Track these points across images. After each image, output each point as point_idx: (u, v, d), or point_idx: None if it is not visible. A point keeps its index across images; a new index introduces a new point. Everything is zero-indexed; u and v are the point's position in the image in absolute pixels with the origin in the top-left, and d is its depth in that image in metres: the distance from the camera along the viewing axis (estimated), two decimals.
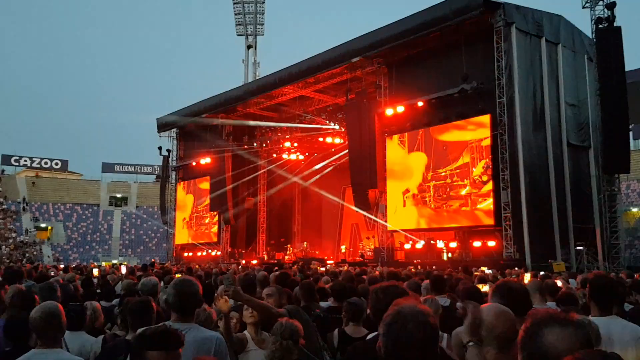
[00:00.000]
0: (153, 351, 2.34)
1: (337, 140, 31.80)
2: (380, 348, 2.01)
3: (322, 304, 6.17)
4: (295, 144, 33.45)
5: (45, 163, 59.56)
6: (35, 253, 44.64)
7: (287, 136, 33.13)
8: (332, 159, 31.79)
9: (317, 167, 32.94)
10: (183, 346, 2.43)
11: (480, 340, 2.40)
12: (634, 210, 34.22)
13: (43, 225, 50.45)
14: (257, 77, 47.52)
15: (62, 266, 19.63)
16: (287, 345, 3.49)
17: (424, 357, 1.96)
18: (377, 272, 11.83)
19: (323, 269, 17.10)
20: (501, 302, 2.73)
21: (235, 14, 55.60)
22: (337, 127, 29.85)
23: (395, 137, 24.70)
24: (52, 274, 12.08)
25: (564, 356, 1.54)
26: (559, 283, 7.28)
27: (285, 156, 34.98)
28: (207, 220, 36.12)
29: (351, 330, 4.61)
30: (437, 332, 2.04)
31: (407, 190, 23.92)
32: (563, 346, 1.58)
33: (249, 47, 55.93)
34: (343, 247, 32.81)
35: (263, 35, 56.55)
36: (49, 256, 45.59)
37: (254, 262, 28.42)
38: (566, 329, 1.62)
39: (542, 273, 10.96)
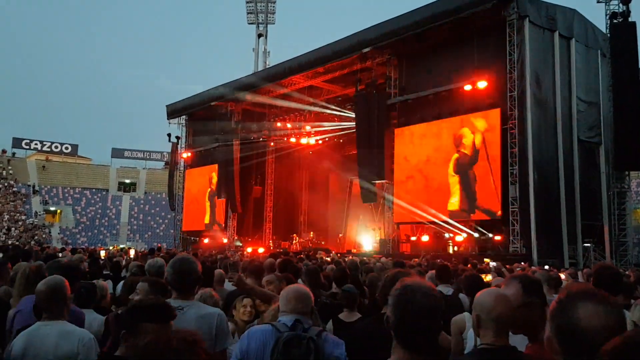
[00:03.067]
0: (149, 323, 2.37)
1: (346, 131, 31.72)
2: (388, 319, 2.09)
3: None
4: (304, 134, 33.38)
5: (56, 147, 59.97)
6: (44, 236, 45.03)
7: (297, 125, 33.08)
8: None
9: (326, 160, 32.87)
10: (175, 319, 2.49)
11: None
12: None
13: (52, 208, 50.86)
14: (267, 66, 47.48)
15: (69, 247, 19.81)
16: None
17: (431, 324, 2.06)
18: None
19: (329, 258, 17.15)
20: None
21: (247, 2, 55.53)
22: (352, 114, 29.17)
23: (405, 129, 24.64)
24: (61, 255, 12.21)
25: (595, 333, 1.54)
26: (563, 276, 7.29)
27: (293, 143, 34.91)
28: (214, 208, 36.24)
29: (345, 315, 4.65)
30: (442, 303, 2.12)
31: (415, 183, 23.87)
32: (595, 323, 1.57)
33: (259, 35, 55.88)
34: (340, 235, 32.90)
35: (274, 24, 56.56)
36: (58, 233, 46.05)
37: (261, 250, 28.52)
38: (600, 306, 1.60)
39: (546, 267, 10.94)
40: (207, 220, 36.76)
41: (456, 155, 22.63)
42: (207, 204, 36.77)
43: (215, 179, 35.43)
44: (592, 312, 1.58)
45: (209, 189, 36.51)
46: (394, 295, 2.11)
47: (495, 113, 21.13)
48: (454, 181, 22.45)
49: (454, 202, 22.43)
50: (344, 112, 29.38)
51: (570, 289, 1.69)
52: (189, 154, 38.80)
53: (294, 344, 2.77)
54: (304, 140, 33.43)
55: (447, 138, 22.82)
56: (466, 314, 4.20)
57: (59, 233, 47.28)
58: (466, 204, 21.93)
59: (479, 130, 21.74)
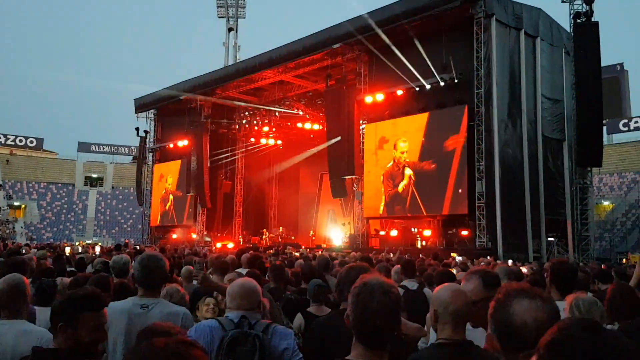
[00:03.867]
0: (85, 313, 2.45)
1: (316, 127, 31.83)
2: (348, 317, 2.11)
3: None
4: (274, 129, 33.39)
5: (20, 141, 58.51)
6: (8, 231, 44.08)
7: (265, 120, 33.06)
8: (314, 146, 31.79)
9: (296, 155, 33.00)
10: (107, 306, 2.60)
11: None
12: (605, 203, 34.96)
13: (16, 203, 49.77)
14: (238, 61, 47.18)
15: (35, 244, 19.45)
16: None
17: (389, 322, 2.08)
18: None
19: (297, 253, 17.22)
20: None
21: None
22: (301, 112, 29.74)
23: (375, 125, 24.84)
24: (24, 251, 11.99)
25: (529, 326, 1.62)
26: (524, 270, 7.46)
27: (263, 141, 34.98)
28: (183, 203, 35.97)
29: (314, 309, 4.70)
30: (400, 300, 2.15)
31: (384, 178, 24.09)
32: (529, 317, 1.64)
33: (230, 29, 55.45)
34: (311, 232, 32.99)
35: (244, 18, 56.15)
36: (22, 227, 45.14)
37: (230, 245, 28.43)
38: (534, 302, 1.68)
39: (510, 261, 11.17)
40: (176, 215, 36.50)
41: (391, 163, 23.81)
42: (176, 199, 36.46)
43: (184, 174, 35.08)
44: (526, 307, 1.67)
45: (178, 184, 36.20)
46: (353, 293, 2.13)
47: (463, 110, 21.42)
48: (421, 175, 22.84)
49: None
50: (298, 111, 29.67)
51: (507, 288, 1.78)
52: (157, 149, 38.46)
53: (239, 342, 2.78)
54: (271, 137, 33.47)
55: (415, 134, 23.09)
56: None
57: (22, 227, 46.35)
58: (433, 198, 22.19)
59: (446, 126, 22.01)
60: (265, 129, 33.47)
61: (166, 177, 37.42)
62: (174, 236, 34.96)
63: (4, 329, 3.05)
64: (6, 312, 3.13)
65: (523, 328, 1.64)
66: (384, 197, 23.97)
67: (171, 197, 36.90)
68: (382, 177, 24.12)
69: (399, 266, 6.45)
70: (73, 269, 8.12)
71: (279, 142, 35.44)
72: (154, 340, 1.29)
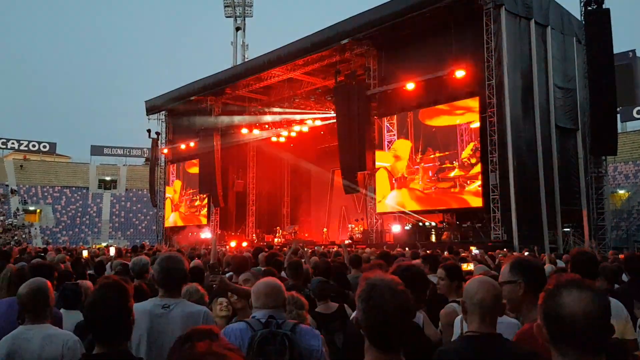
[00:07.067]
0: None
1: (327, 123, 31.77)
2: (357, 322, 2.06)
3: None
4: (285, 126, 33.35)
5: (33, 146, 59.09)
6: (24, 236, 44.54)
7: (277, 119, 33.02)
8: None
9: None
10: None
11: None
12: (621, 192, 34.63)
13: (32, 208, 50.26)
14: (246, 59, 47.23)
15: (50, 247, 19.59)
16: (301, 314, 3.68)
17: (404, 322, 2.03)
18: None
19: (310, 250, 17.18)
20: None
21: None
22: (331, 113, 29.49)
23: (385, 119, 24.80)
24: (43, 255, 12.08)
25: (577, 318, 1.62)
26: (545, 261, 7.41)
27: (274, 139, 34.96)
28: (196, 203, 36.19)
29: (322, 308, 4.69)
30: (410, 297, 2.08)
31: (396, 173, 24.06)
32: (578, 308, 1.64)
33: (237, 29, 55.49)
34: (325, 230, 32.94)
35: (252, 17, 56.14)
36: (36, 229, 45.56)
37: (244, 244, 28.50)
38: (584, 293, 1.67)
39: (526, 253, 11.09)
40: (190, 215, 36.69)
41: (403, 158, 23.88)
42: (190, 199, 36.64)
43: (196, 174, 35.22)
44: (576, 299, 1.66)
45: (191, 184, 36.37)
46: (362, 299, 2.05)
47: (475, 102, 21.30)
48: (436, 169, 22.74)
49: (435, 190, 22.99)
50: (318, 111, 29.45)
51: (559, 279, 1.78)
52: (168, 150, 38.65)
53: (268, 341, 2.79)
54: (284, 133, 33.41)
55: (427, 128, 23.03)
56: (454, 303, 4.25)
57: (36, 229, 46.84)
58: (448, 192, 22.13)
59: (459, 119, 21.94)
60: (274, 138, 33.41)
61: (179, 177, 37.60)
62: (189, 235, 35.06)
63: (29, 334, 3.06)
64: (30, 316, 3.15)
65: (570, 318, 1.64)
66: (396, 192, 23.88)
67: (185, 197, 37.09)
68: (394, 171, 24.04)
69: (418, 261, 6.42)
70: (92, 272, 8.16)
71: (291, 145, 35.26)
72: (197, 344, 1.29)
